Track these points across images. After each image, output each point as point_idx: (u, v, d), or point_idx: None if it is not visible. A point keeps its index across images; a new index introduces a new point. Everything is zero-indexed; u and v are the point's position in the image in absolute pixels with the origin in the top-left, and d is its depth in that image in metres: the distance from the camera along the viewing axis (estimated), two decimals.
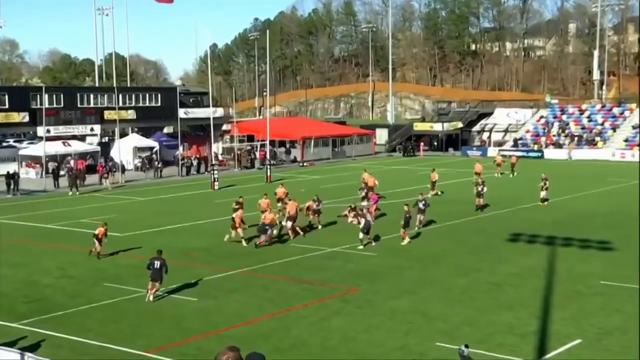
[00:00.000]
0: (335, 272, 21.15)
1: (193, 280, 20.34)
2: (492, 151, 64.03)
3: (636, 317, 16.25)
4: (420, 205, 27.64)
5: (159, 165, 50.56)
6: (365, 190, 31.95)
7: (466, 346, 11.39)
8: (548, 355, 13.93)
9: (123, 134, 59.99)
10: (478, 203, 31.97)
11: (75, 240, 26.92)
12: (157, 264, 18.53)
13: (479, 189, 32.06)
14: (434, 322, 16.14)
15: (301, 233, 26.55)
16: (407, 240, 25.16)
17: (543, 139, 64.59)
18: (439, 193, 36.51)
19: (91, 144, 55.52)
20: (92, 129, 54.88)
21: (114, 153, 52.98)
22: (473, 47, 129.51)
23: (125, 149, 52.78)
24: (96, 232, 23.63)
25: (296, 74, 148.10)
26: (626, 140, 60.78)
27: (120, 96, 55.85)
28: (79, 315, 17.22)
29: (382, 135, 74.12)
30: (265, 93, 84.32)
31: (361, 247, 24.32)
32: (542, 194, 33.20)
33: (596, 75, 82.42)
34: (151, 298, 18.25)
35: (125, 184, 46.24)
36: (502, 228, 27.54)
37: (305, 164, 58.62)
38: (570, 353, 14.05)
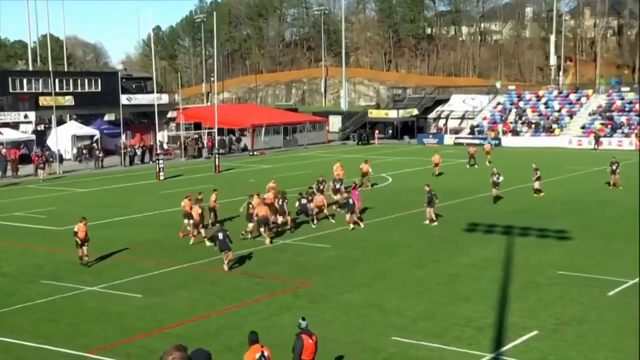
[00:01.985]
0: (286, 266, 21.11)
1: (137, 276, 20.02)
2: (448, 139, 64.90)
3: (593, 308, 16.71)
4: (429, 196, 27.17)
5: (100, 155, 49.59)
6: (339, 183, 30.72)
7: (303, 319, 11.55)
8: (504, 348, 14.19)
9: (60, 122, 58.60)
10: (494, 194, 31.66)
11: (9, 234, 26.18)
12: (221, 235, 19.93)
13: (494, 178, 31.69)
14: (390, 316, 16.25)
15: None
16: (429, 220, 26.37)
17: (500, 126, 65.74)
18: (369, 186, 36.25)
19: (25, 132, 54.05)
20: (26, 116, 53.46)
21: (50, 142, 51.74)
22: (428, 31, 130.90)
23: (63, 138, 51.56)
24: (75, 228, 21.17)
25: (245, 59, 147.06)
26: (583, 127, 62.41)
27: (57, 81, 54.51)
28: (13, 315, 16.76)
29: (335, 123, 74.23)
30: (212, 79, 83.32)
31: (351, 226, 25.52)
32: (535, 184, 33.44)
33: (553, 60, 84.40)
34: (226, 268, 19.96)
35: (63, 175, 45.20)
36: (460, 218, 27.91)
37: (255, 153, 58.34)
38: (526, 345, 14.35)
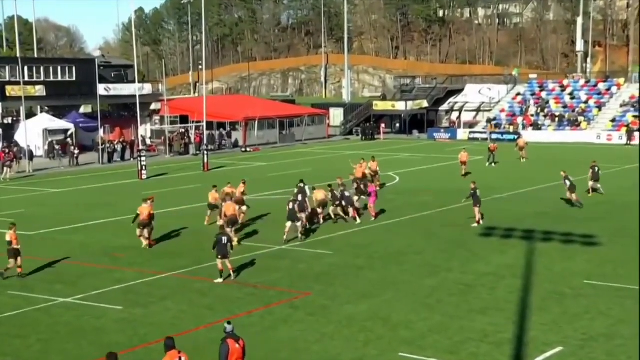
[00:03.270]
0: (283, 274, 21.11)
1: (117, 286, 20.01)
2: (461, 133, 64.96)
3: (624, 321, 16.70)
4: (478, 193, 27.56)
5: (75, 151, 49.62)
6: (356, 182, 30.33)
7: (229, 322, 12.15)
8: None
9: (30, 114, 58.59)
10: (574, 198, 30.59)
11: None
12: (224, 239, 20.11)
13: (570, 179, 30.58)
14: (397, 330, 16.24)
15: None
16: (478, 219, 27.14)
17: (520, 119, 65.81)
18: (378, 186, 36.09)
19: None
20: None
21: (19, 137, 51.74)
22: (440, 13, 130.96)
23: (33, 132, 51.58)
24: (7, 237, 21.38)
25: (237, 45, 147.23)
26: (613, 121, 62.45)
27: (26, 68, 54.54)
28: None
29: (336, 116, 74.26)
30: (200, 67, 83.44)
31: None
32: (590, 183, 33.08)
33: (580, 46, 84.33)
34: (220, 280, 19.99)
35: (33, 174, 45.21)
36: (474, 221, 27.89)
37: (248, 149, 58.40)
38: None
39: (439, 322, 16.76)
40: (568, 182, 30.52)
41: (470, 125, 67.45)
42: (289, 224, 24.91)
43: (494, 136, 61.66)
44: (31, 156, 46.90)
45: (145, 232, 24.62)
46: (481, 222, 27.34)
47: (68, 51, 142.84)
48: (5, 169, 43.08)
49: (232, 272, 20.48)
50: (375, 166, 36.03)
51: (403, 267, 21.69)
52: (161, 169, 46.39)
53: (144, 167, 42.51)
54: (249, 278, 20.68)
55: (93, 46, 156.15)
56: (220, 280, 20.25)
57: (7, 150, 45.67)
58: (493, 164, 44.71)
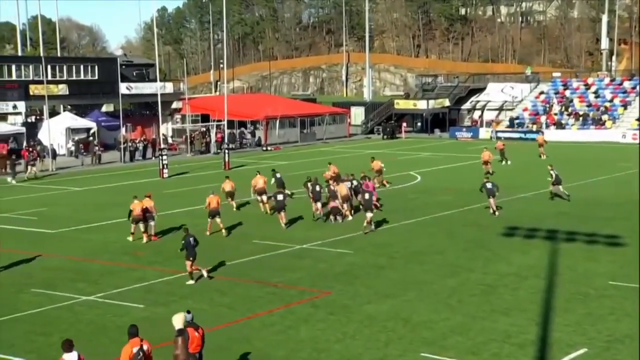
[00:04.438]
0: (304, 273, 21.15)
1: (139, 284, 20.15)
2: (484, 132, 64.60)
3: None
4: (489, 185, 28.96)
5: (97, 150, 49.98)
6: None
7: (188, 312, 12.67)
8: None
9: (53, 113, 59.12)
10: (560, 190, 32.00)
11: None
12: (192, 240, 20.19)
13: (554, 173, 31.90)
14: (418, 330, 16.21)
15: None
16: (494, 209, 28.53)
17: (543, 118, 65.33)
18: (386, 185, 36.28)
19: (14, 125, 54.58)
20: (15, 107, 54.00)
21: (42, 135, 52.20)
22: (463, 11, 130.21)
23: (56, 131, 52.01)
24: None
25: (258, 43, 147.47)
26: (639, 119, 61.73)
27: (49, 68, 54.98)
28: (1, 328, 16.93)
29: (357, 115, 74.23)
30: (222, 65, 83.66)
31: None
32: (551, 188, 32.78)
33: (605, 44, 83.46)
34: (192, 281, 20.09)
35: (56, 172, 45.62)
36: (497, 221, 27.78)
37: (269, 148, 58.49)
38: None
39: (461, 322, 16.69)
40: (554, 174, 31.86)
41: (499, 124, 66.97)
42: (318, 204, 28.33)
43: (514, 135, 61.37)
44: (54, 155, 47.31)
45: (141, 226, 25.21)
46: (497, 213, 28.37)
47: (90, 50, 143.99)
48: (29, 167, 43.43)
49: (192, 273, 20.29)
50: (377, 165, 36.22)
51: (424, 267, 21.64)
52: (182, 167, 46.61)
53: (165, 166, 42.74)
54: (270, 277, 20.72)
55: (115, 45, 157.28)
56: (192, 281, 20.23)
57: (30, 149, 46.03)
58: (506, 162, 44.40)
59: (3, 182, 41.40)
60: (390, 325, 16.57)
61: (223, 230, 26.25)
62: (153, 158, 50.78)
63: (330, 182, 30.18)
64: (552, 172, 32.15)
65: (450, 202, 31.92)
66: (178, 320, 12.27)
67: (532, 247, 23.86)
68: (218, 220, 26.11)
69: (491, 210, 28.77)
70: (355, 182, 30.31)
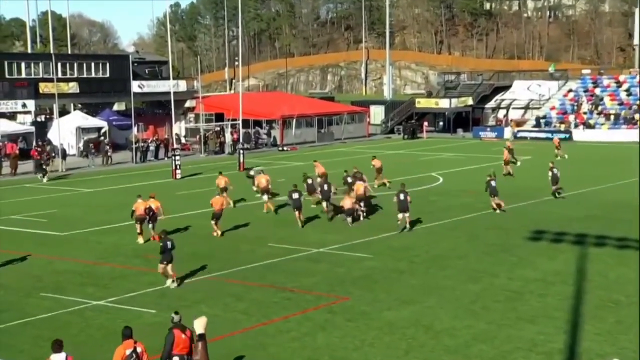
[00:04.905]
0: (321, 278, 21.15)
1: (150, 288, 20.23)
2: (509, 132, 64.29)
3: None
4: (493, 183, 30.18)
5: (108, 150, 50.24)
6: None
7: (176, 313, 12.99)
8: None
9: (63, 112, 59.53)
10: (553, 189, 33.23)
11: (4, 240, 26.68)
12: (169, 244, 20.37)
13: (554, 172, 33.02)
14: (440, 338, 16.16)
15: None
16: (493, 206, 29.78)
17: (572, 117, 64.89)
18: (387, 184, 36.43)
19: (23, 124, 55.02)
20: (24, 105, 54.47)
21: (52, 135, 52.58)
22: (487, 6, 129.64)
23: (67, 130, 52.40)
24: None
25: (274, 40, 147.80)
26: None
27: (59, 65, 55.41)
28: (9, 333, 17.05)
29: (377, 114, 74.18)
30: (237, 63, 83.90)
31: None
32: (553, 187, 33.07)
33: (638, 39, 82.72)
34: (170, 283, 20.22)
35: (66, 173, 45.89)
36: (522, 224, 27.66)
37: (285, 148, 58.56)
38: None
39: (485, 330, 16.61)
40: (550, 174, 32.93)
41: (518, 123, 66.73)
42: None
43: (540, 135, 61.13)
44: (64, 155, 47.60)
45: (150, 228, 25.75)
46: (498, 210, 29.73)
47: (102, 47, 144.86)
48: (45, 167, 43.30)
49: (174, 279, 20.44)
50: (378, 164, 37.36)
51: (446, 272, 21.58)
52: (196, 168, 46.76)
53: (178, 167, 42.90)
54: (286, 282, 20.74)
55: (127, 42, 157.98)
56: (170, 282, 20.39)
57: (39, 149, 46.30)
58: (514, 163, 44.17)
59: (12, 183, 41.74)
60: (410, 332, 16.52)
61: (218, 232, 26.62)
62: (165, 158, 50.98)
63: (320, 180, 31.88)
64: (553, 169, 33.08)
65: (473, 205, 31.78)
66: (199, 325, 12.35)
67: (559, 251, 23.70)
68: (216, 221, 26.56)
69: (492, 209, 29.96)
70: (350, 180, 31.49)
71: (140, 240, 25.70)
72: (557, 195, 33.11)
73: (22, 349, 15.93)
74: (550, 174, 33.12)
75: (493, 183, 30.21)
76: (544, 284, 20.17)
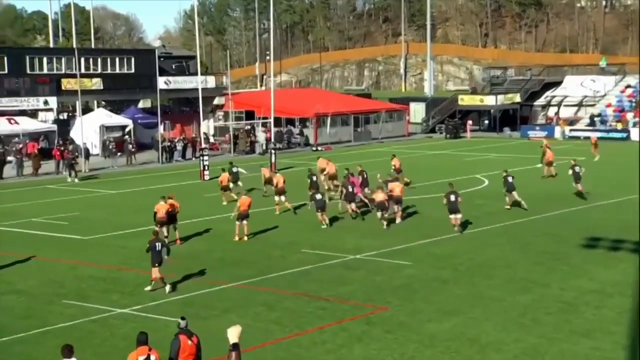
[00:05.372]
0: (358, 286, 21.13)
1: (177, 296, 20.35)
2: (559, 131, 63.61)
3: None
4: (510, 179, 31.37)
5: (133, 149, 50.64)
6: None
7: (182, 318, 13.23)
8: None
9: (86, 109, 60.22)
10: (579, 188, 33.94)
11: (24, 245, 27.05)
12: (158, 245, 20.74)
13: (576, 170, 33.81)
14: (486, 352, 16.04)
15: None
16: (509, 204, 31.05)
17: (630, 115, 63.96)
18: (409, 183, 36.53)
19: (45, 122, 55.70)
20: (46, 103, 55.16)
21: (74, 133, 53.18)
22: None
23: (90, 129, 52.94)
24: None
25: (308, 33, 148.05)
26: None
27: (83, 60, 56.05)
28: (29, 342, 17.26)
29: (417, 112, 73.94)
30: (268, 57, 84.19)
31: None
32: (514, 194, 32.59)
33: None
34: (168, 288, 20.53)
35: (90, 174, 46.23)
36: (575, 230, 27.36)
37: (319, 148, 58.59)
38: None
39: (535, 344, 16.44)
40: (570, 171, 33.84)
41: (571, 122, 66.00)
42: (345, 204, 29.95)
43: (595, 134, 60.33)
44: (87, 155, 48.08)
45: (165, 230, 25.93)
46: (511, 207, 30.76)
47: (126, 41, 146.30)
48: (69, 170, 43.73)
49: (155, 282, 20.75)
50: (398, 163, 37.69)
51: (492, 281, 21.42)
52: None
53: (206, 167, 43.12)
54: (320, 290, 20.73)
55: (153, 36, 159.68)
56: (149, 288, 20.77)
57: (62, 148, 46.75)
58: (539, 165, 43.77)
59: (32, 184, 42.28)
60: (454, 345, 16.41)
61: (245, 237, 26.79)
62: (193, 159, 51.30)
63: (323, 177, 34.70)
64: (575, 167, 33.87)
65: (522, 209, 31.47)
66: (233, 334, 12.30)
67: (617, 260, 23.40)
68: (245, 222, 26.77)
69: (506, 207, 31.16)
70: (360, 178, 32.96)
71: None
72: (583, 196, 33.52)
73: (43, 359, 16.08)
74: (570, 171, 33.85)
75: (510, 179, 31.24)
76: (600, 295, 19.91)
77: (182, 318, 13.16)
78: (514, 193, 31.22)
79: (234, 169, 36.18)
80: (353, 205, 30.06)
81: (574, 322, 17.88)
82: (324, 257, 24.34)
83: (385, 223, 28.39)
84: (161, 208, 26.12)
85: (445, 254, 24.65)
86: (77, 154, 47.58)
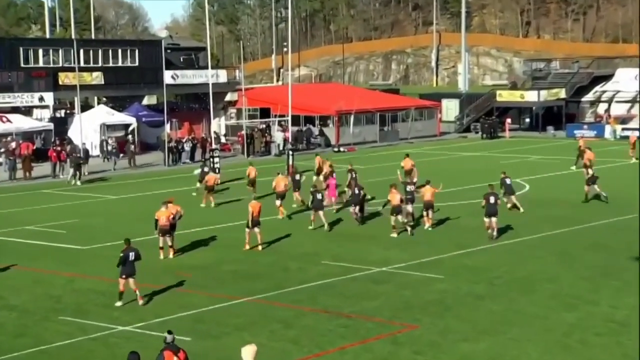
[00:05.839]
0: (384, 302, 21.15)
1: (185, 312, 20.42)
2: (610, 131, 63.17)
3: None
4: (508, 181, 32.41)
5: (134, 150, 50.75)
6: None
7: (169, 332, 13.54)
8: None
9: (86, 106, 60.51)
10: (587, 190, 34.47)
11: (18, 255, 27.22)
12: (132, 255, 21.07)
13: (591, 172, 34.47)
14: None
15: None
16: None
17: None
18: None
19: (40, 120, 56.00)
20: (41, 99, 55.45)
21: (73, 133, 53.43)
22: None
23: (90, 127, 53.20)
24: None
25: (329, 23, 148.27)
26: None
27: (82, 52, 56.32)
28: None
29: (450, 109, 73.89)
30: (285, 49, 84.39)
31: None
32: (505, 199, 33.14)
33: None
34: (120, 303, 20.85)
35: (95, 178, 46.21)
36: (627, 242, 27.15)
37: (341, 149, 58.59)
38: None
39: None
40: (585, 172, 34.93)
41: (623, 120, 65.54)
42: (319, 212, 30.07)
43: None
44: (87, 156, 48.18)
45: (168, 240, 26.07)
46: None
47: (130, 31, 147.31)
48: (75, 171, 43.82)
49: (137, 295, 20.95)
50: (409, 164, 38.16)
51: (533, 297, 21.37)
52: (237, 172, 46.86)
53: (217, 170, 43.22)
54: (342, 306, 20.75)
55: (159, 25, 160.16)
56: (120, 303, 20.86)
57: (59, 149, 46.90)
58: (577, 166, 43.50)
59: (26, 189, 42.54)
60: None
61: (259, 246, 26.95)
62: (203, 161, 51.37)
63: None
64: (589, 169, 34.89)
65: (566, 217, 31.33)
66: (248, 354, 12.37)
67: None
68: (257, 230, 26.85)
69: (509, 205, 32.16)
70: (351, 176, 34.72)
71: (161, 255, 26.16)
72: (602, 198, 33.96)
73: None
74: (585, 172, 34.56)
75: (508, 181, 32.15)
76: None
77: (169, 332, 13.47)
78: (512, 197, 32.36)
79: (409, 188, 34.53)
80: (320, 214, 30.18)
81: (626, 344, 17.75)
82: (346, 269, 24.34)
83: (397, 232, 28.66)
84: (162, 215, 26.21)
85: (480, 266, 24.58)
86: (78, 154, 47.65)
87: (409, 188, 31.52)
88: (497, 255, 25.97)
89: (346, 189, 35.22)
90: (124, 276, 20.93)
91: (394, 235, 28.62)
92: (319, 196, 30.16)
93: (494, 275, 23.64)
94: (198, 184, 38.65)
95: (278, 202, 32.52)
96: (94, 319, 20.04)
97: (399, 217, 28.84)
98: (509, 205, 32.29)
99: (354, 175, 34.79)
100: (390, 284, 22.82)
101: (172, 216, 26.39)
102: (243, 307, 20.96)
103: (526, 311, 20.21)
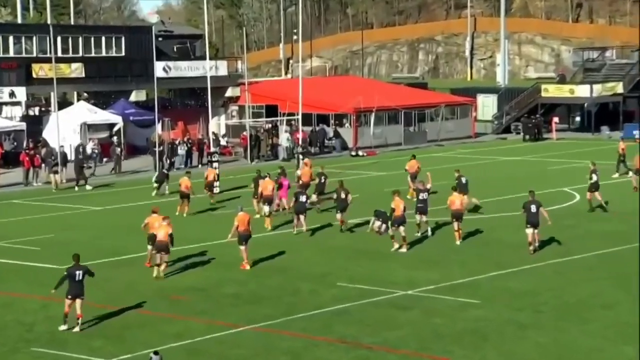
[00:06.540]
0: (410, 331, 21.08)
1: (178, 342, 20.38)
2: None
3: None
4: (463, 180, 34.35)
5: (120, 153, 50.74)
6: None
7: (155, 353, 14.13)
8: None
9: (64, 103, 60.62)
10: (598, 198, 35.65)
11: None
12: (78, 274, 21.27)
13: (594, 177, 35.19)
14: None
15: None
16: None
17: None
18: (412, 195, 36.52)
19: (11, 119, 56.14)
20: (12, 94, 55.59)
21: (48, 133, 53.49)
22: None
23: (68, 127, 53.23)
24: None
25: (346, 7, 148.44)
26: None
27: (59, 40, 56.42)
28: None
29: (487, 106, 73.86)
30: (295, 37, 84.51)
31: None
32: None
33: None
34: (77, 327, 21.11)
35: (69, 186, 46.43)
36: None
37: (360, 152, 58.56)
38: None
39: None
40: (588, 177, 35.80)
41: None
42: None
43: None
44: (65, 160, 48.19)
45: (165, 257, 26.42)
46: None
47: (115, 16, 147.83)
48: (51, 175, 44.32)
49: (79, 320, 21.22)
50: (414, 167, 39.13)
51: (587, 327, 21.30)
52: (240, 179, 46.91)
53: (216, 177, 43.19)
54: (361, 335, 20.70)
55: (148, 9, 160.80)
56: (64, 327, 21.09)
57: (33, 152, 46.84)
58: (627, 174, 43.32)
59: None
60: None
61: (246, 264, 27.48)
62: (200, 166, 51.43)
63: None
64: (593, 174, 35.60)
65: (624, 233, 31.18)
66: None
67: None
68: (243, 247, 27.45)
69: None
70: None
71: (155, 272, 26.36)
72: (603, 208, 35.40)
73: None
74: (588, 177, 35.40)
75: (463, 180, 34.29)
76: None
77: (155, 352, 13.84)
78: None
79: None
80: (302, 218, 31.88)
81: None
82: (366, 292, 24.29)
83: (397, 245, 29.06)
84: (160, 230, 26.35)
85: (523, 290, 24.52)
86: (54, 158, 47.40)
87: (422, 196, 31.58)
88: (543, 277, 25.88)
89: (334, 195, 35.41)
90: (69, 297, 21.14)
91: (396, 247, 29.11)
92: (302, 198, 31.46)
93: (540, 300, 23.57)
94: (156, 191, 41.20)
95: (266, 209, 33.37)
96: (72, 350, 20.00)
97: (401, 230, 28.94)
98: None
99: (323, 180, 37.06)
100: (417, 310, 22.77)
101: (170, 232, 26.37)
102: (245, 336, 20.92)
103: (579, 343, 20.17)
